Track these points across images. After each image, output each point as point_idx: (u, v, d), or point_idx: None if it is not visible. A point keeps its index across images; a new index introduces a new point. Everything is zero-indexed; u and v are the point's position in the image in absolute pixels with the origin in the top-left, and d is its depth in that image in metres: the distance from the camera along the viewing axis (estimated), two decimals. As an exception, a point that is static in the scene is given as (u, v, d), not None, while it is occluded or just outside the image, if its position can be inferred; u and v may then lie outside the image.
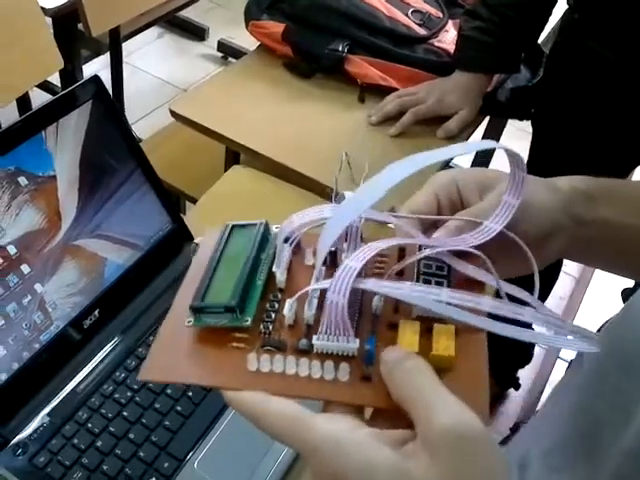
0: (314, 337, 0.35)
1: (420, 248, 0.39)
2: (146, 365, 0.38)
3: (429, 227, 0.41)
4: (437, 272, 0.38)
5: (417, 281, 0.38)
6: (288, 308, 0.37)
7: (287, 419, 0.32)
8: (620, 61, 1.00)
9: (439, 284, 0.37)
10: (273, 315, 0.39)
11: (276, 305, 0.39)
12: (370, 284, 0.35)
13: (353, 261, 0.35)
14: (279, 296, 0.40)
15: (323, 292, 0.36)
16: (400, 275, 0.39)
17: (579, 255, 0.48)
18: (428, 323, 0.35)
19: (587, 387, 0.43)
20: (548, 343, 0.33)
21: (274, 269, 0.41)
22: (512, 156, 0.37)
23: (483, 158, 1.94)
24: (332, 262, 0.40)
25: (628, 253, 0.47)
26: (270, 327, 0.38)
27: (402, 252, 0.41)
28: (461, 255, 0.38)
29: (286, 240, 0.40)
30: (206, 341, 0.38)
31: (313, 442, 0.31)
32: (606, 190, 0.45)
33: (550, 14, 1.11)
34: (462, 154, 0.36)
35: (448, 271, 0.38)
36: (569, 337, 0.34)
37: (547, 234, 0.41)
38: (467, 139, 1.20)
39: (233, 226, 0.44)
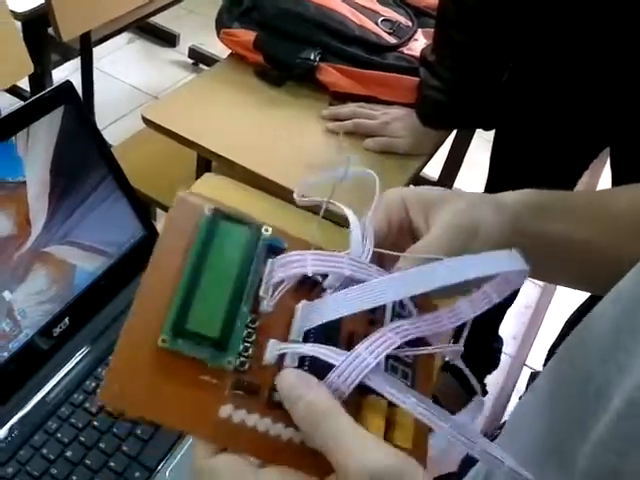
0: None
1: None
2: (103, 387, 0.33)
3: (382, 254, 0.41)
4: (405, 359, 0.39)
5: (385, 370, 0.37)
6: (271, 354, 0.35)
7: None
8: (569, 80, 1.03)
9: (405, 374, 0.38)
10: (250, 350, 0.36)
11: (253, 336, 0.36)
12: (376, 383, 0.33)
13: (369, 354, 0.33)
14: (257, 322, 0.37)
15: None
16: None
17: None
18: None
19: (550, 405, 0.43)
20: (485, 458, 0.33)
21: (261, 294, 0.37)
22: (520, 271, 0.36)
23: (448, 173, 1.95)
24: (304, 283, 0.39)
25: (573, 266, 0.47)
26: (246, 365, 0.35)
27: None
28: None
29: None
30: (174, 370, 0.34)
31: None
32: (553, 204, 0.46)
33: (506, 69, 1.11)
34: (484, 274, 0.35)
35: (414, 357, 0.39)
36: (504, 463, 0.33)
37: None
38: (433, 155, 1.21)
39: (218, 216, 0.39)
